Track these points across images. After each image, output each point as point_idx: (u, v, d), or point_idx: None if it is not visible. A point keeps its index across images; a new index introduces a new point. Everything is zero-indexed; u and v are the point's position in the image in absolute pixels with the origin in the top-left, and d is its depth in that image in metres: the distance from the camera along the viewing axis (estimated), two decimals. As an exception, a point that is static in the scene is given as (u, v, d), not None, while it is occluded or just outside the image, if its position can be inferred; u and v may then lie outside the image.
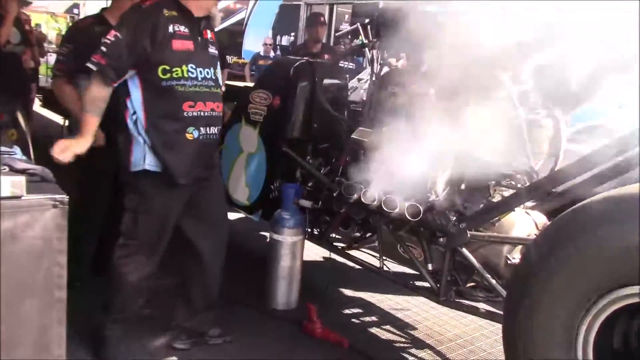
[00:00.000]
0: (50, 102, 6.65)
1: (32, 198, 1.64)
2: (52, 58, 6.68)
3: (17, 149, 2.00)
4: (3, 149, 1.94)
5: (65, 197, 1.68)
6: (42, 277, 1.70)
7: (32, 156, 2.83)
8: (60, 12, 18.33)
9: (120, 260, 2.48)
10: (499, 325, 2.25)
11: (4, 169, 1.70)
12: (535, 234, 2.48)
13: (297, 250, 3.18)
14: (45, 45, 7.68)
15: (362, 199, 2.56)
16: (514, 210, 2.53)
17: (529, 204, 2.63)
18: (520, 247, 2.49)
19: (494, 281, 2.47)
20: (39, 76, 7.03)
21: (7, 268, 1.63)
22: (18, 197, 1.62)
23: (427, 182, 2.53)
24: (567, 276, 1.82)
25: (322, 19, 5.69)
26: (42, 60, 7.57)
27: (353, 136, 2.81)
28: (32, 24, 6.94)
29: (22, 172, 1.71)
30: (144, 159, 2.39)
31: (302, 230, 3.17)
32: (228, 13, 11.94)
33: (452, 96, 2.68)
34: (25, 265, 1.67)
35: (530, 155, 2.55)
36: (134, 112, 2.38)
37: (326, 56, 5.02)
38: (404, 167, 2.57)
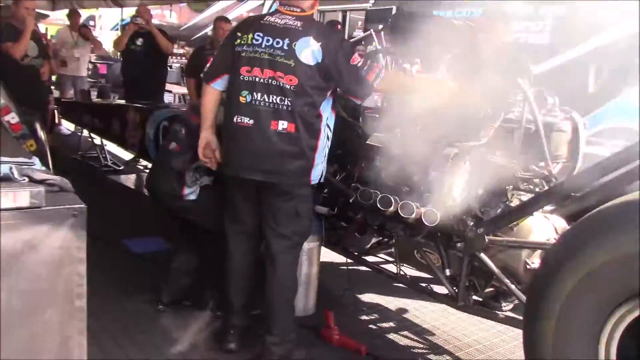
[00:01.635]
0: (68, 113, 6.77)
1: (51, 208, 1.65)
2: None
3: (36, 160, 2.02)
4: (22, 159, 1.96)
5: (84, 207, 1.69)
6: (62, 287, 1.71)
7: (50, 166, 2.87)
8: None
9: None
10: (519, 331, 2.23)
11: (24, 180, 1.71)
12: (555, 239, 2.45)
13: (313, 256, 3.17)
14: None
15: (378, 205, 2.54)
16: (533, 215, 2.50)
17: (548, 208, 2.60)
18: (539, 251, 2.46)
19: (513, 286, 2.45)
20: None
21: (27, 278, 1.64)
22: (37, 208, 1.63)
23: (444, 187, 2.51)
24: (588, 281, 1.80)
25: (338, 26, 5.72)
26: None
27: (368, 142, 2.81)
28: (48, 36, 7.05)
29: (41, 182, 1.72)
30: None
31: (319, 237, 3.16)
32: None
33: (469, 100, 2.67)
34: (46, 275, 1.67)
35: (549, 158, 2.52)
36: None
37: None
38: (420, 172, 2.56)
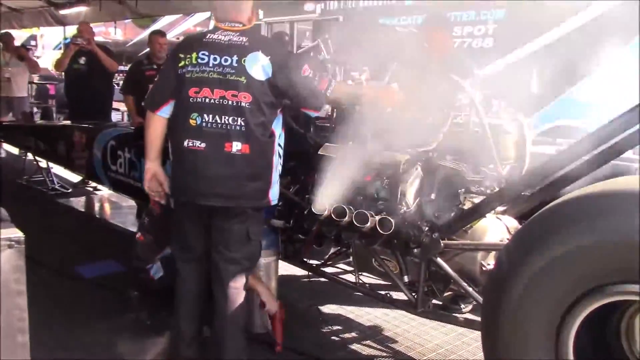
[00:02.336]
0: (10, 137, 6.52)
1: (-15, 239, 1.56)
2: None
3: (-30, 189, 1.92)
4: (-45, 189, 1.86)
5: (21, 237, 1.60)
6: (2, 321, 1.62)
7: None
8: (17, 44, 18.03)
9: None
10: (479, 332, 2.24)
11: (-45, 211, 1.61)
12: (508, 238, 2.49)
13: (271, 270, 3.13)
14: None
15: (332, 216, 2.53)
16: (485, 217, 2.53)
17: (500, 209, 2.64)
18: (494, 252, 2.49)
19: (470, 289, 2.47)
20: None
21: (-37, 315, 1.55)
22: (-30, 240, 1.54)
23: (397, 194, 2.52)
24: (542, 279, 1.82)
25: (286, 37, 5.70)
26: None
27: (320, 152, 2.79)
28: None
29: (-26, 212, 1.63)
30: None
31: (275, 251, 3.12)
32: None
33: (418, 106, 2.70)
34: (-17, 310, 1.58)
35: (497, 160, 2.56)
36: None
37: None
38: (373, 180, 2.56)
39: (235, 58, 2.39)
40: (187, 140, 2.42)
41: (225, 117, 2.38)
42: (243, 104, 2.37)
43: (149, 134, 2.59)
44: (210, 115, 2.38)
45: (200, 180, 2.44)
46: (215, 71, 2.39)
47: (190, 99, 2.41)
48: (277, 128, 2.52)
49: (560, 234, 1.79)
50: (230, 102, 2.38)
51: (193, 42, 2.52)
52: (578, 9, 5.38)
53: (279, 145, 2.55)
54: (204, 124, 2.39)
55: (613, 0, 4.88)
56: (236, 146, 2.38)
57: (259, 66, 2.38)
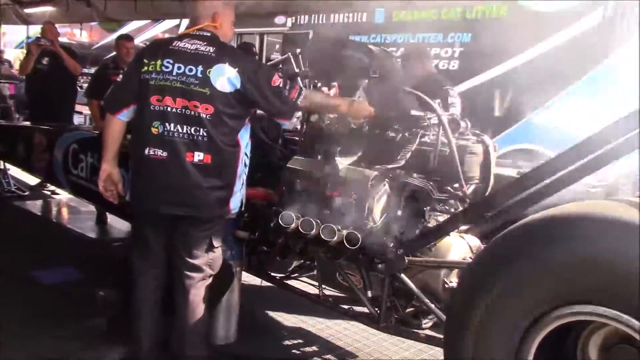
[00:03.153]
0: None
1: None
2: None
3: None
4: None
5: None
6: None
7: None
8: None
9: None
10: (439, 349, 2.27)
11: None
12: (471, 257, 2.54)
13: (234, 282, 3.10)
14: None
15: (300, 229, 2.53)
16: (449, 235, 2.58)
17: (463, 227, 2.69)
18: (456, 270, 2.53)
19: (432, 305, 2.50)
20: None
21: None
22: None
23: (364, 209, 2.54)
24: (503, 298, 1.86)
25: (254, 49, 5.70)
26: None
27: (289, 165, 2.80)
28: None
29: None
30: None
31: (240, 262, 3.10)
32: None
33: (385, 124, 2.74)
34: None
35: (463, 180, 2.62)
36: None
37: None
38: (340, 195, 2.58)
39: (200, 68, 2.37)
40: (148, 149, 2.40)
41: (187, 127, 2.37)
42: (203, 115, 2.37)
43: (107, 136, 2.57)
44: (172, 124, 2.37)
45: (162, 189, 2.42)
46: (179, 80, 2.37)
47: (152, 106, 2.39)
48: (244, 138, 2.53)
49: (522, 255, 1.84)
50: (192, 113, 2.37)
51: (159, 49, 2.49)
52: (544, 36, 5.56)
53: (245, 154, 2.56)
54: (165, 133, 2.38)
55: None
56: (198, 156, 2.38)
57: (224, 78, 2.38)
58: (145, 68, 2.42)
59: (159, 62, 2.40)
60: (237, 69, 2.39)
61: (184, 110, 2.37)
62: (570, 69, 4.99)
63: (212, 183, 2.42)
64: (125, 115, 2.51)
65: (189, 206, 2.43)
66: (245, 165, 2.57)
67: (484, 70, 6.38)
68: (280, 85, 2.49)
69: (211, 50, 2.41)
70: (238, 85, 2.39)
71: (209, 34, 2.48)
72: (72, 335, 3.00)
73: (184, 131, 2.37)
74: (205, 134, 2.37)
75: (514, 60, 6.20)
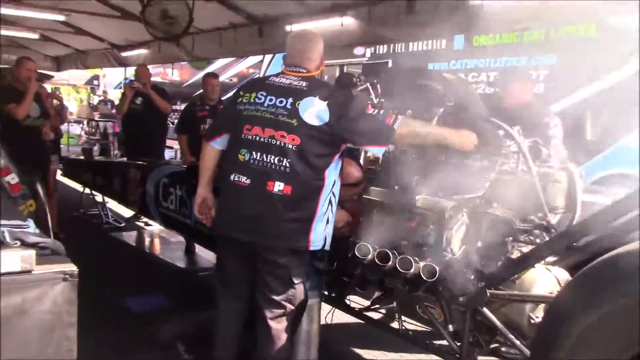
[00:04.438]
0: (71, 171, 6.82)
1: (41, 272, 1.64)
2: (72, 128, 6.86)
3: (30, 222, 2.02)
4: (16, 222, 1.96)
5: (75, 270, 1.68)
6: (51, 352, 1.68)
7: (50, 226, 2.86)
8: (81, 83, 19.07)
9: None
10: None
11: (15, 244, 1.70)
12: (558, 291, 2.40)
13: (313, 312, 3.09)
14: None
15: (376, 260, 2.51)
16: (534, 267, 2.46)
17: (550, 259, 2.56)
18: (542, 305, 2.40)
19: (517, 342, 2.38)
20: (60, 146, 7.19)
21: (17, 343, 1.61)
22: (28, 272, 1.61)
23: (442, 240, 2.49)
24: (593, 335, 1.75)
25: (354, 79, 5.63)
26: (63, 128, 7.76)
27: (365, 196, 2.80)
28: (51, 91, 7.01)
29: (32, 245, 1.72)
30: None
31: (318, 293, 3.10)
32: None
33: (465, 153, 2.68)
34: (35, 340, 1.65)
35: (547, 209, 2.50)
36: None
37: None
38: (418, 225, 2.54)
39: (290, 100, 2.44)
40: (233, 174, 2.49)
41: (271, 157, 2.42)
42: (289, 146, 2.41)
43: (202, 162, 2.72)
44: (258, 153, 2.44)
45: (240, 214, 2.48)
46: (269, 111, 2.45)
47: (243, 135, 2.49)
48: (330, 175, 2.50)
49: (615, 288, 1.73)
50: (278, 142, 2.42)
51: (256, 83, 2.68)
52: (633, 52, 5.28)
53: (333, 193, 2.53)
54: (251, 161, 2.45)
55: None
56: (278, 186, 2.41)
57: (313, 111, 2.41)
58: (241, 99, 2.55)
59: (253, 94, 2.52)
60: (326, 102, 2.42)
61: (270, 139, 2.43)
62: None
63: (290, 215, 2.44)
64: (218, 143, 2.65)
65: (263, 235, 2.45)
66: (330, 204, 2.54)
67: (572, 92, 6.13)
68: (375, 112, 2.50)
69: (304, 85, 2.49)
70: (326, 119, 2.41)
71: (304, 70, 2.57)
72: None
73: (268, 160, 2.42)
74: (288, 165, 2.41)
75: (605, 80, 5.91)
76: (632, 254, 1.76)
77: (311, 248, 2.52)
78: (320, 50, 2.63)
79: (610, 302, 1.72)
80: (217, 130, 2.67)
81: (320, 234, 2.52)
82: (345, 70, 8.89)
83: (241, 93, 2.58)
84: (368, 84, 3.52)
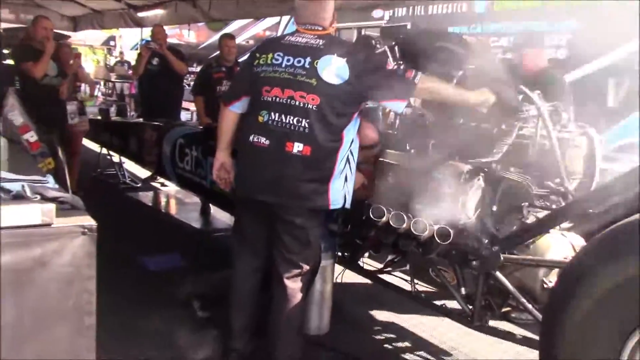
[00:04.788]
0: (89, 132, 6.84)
1: (61, 226, 1.66)
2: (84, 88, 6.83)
3: (50, 178, 2.05)
4: (36, 177, 1.99)
5: (94, 224, 1.70)
6: (71, 304, 1.72)
7: (68, 184, 2.90)
8: (97, 44, 19.04)
9: None
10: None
11: (35, 197, 1.73)
12: (572, 256, 2.40)
13: (327, 274, 3.14)
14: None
15: (391, 222, 2.52)
16: (549, 232, 2.45)
17: (565, 225, 2.55)
18: (556, 270, 2.41)
19: (530, 306, 2.40)
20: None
21: (37, 295, 1.65)
22: (48, 225, 1.64)
23: (457, 204, 2.48)
24: (607, 300, 1.75)
25: (373, 42, 5.51)
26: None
27: (381, 158, 2.79)
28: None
29: (52, 200, 1.74)
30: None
31: (332, 254, 3.14)
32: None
33: (482, 116, 2.65)
34: (55, 292, 1.68)
35: (565, 174, 2.48)
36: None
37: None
38: (433, 189, 2.53)
39: (308, 60, 2.41)
40: (252, 135, 2.48)
41: (290, 117, 2.41)
42: (309, 106, 2.39)
43: (221, 126, 2.71)
44: (277, 114, 2.43)
45: (259, 175, 2.49)
46: (287, 71, 2.43)
47: (262, 97, 2.48)
48: (349, 134, 2.49)
49: (629, 254, 1.72)
50: (297, 103, 2.40)
51: (271, 43, 2.62)
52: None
53: (351, 152, 2.52)
54: (270, 122, 2.44)
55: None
56: (297, 147, 2.40)
57: (332, 69, 2.39)
58: (257, 61, 2.52)
59: (270, 55, 2.48)
60: (345, 59, 2.39)
61: (289, 100, 2.42)
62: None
63: (308, 175, 2.43)
64: (237, 107, 2.63)
65: (282, 195, 2.46)
66: (348, 162, 2.53)
67: (594, 58, 5.98)
68: (394, 67, 2.50)
69: (320, 43, 2.45)
70: (346, 77, 2.39)
71: (319, 28, 2.52)
72: (172, 318, 3.17)
73: (287, 121, 2.41)
74: (307, 125, 2.40)
75: (626, 47, 5.75)
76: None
77: (331, 207, 2.52)
78: (332, 6, 2.59)
79: (621, 270, 1.72)
80: (236, 93, 2.65)
81: (339, 192, 2.51)
82: (363, 33, 8.76)
83: (257, 55, 2.54)
84: (386, 46, 3.47)
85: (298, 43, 2.48)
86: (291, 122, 2.41)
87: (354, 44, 2.99)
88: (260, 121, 2.47)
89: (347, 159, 2.53)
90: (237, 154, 2.66)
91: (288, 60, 2.44)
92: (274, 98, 2.44)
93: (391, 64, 2.49)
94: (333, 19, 2.60)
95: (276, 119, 2.43)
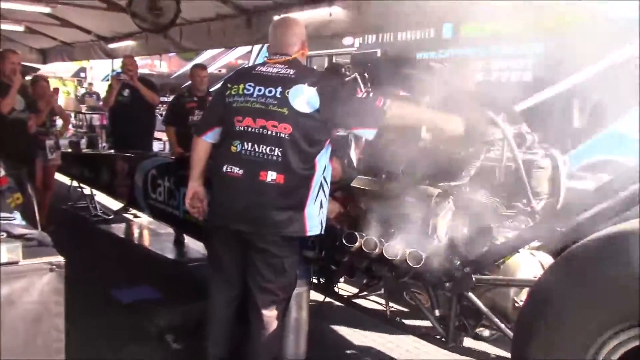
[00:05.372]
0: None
1: (28, 263, 1.64)
2: (60, 121, 6.74)
3: (16, 214, 2.02)
4: (3, 214, 1.96)
5: (62, 261, 1.68)
6: (40, 342, 1.69)
7: (37, 219, 2.87)
8: (68, 76, 18.91)
9: None
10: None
11: (2, 235, 1.71)
12: (540, 275, 2.44)
13: (302, 301, 3.11)
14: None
15: (363, 248, 2.54)
16: (519, 252, 2.50)
17: (534, 244, 2.60)
18: (527, 289, 2.44)
19: (502, 325, 2.42)
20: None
21: (4, 334, 1.62)
22: (14, 263, 1.62)
23: (428, 227, 2.52)
24: (569, 318, 1.79)
25: (342, 70, 5.54)
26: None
27: (353, 184, 2.82)
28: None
29: (19, 237, 1.72)
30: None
31: (307, 281, 3.13)
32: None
33: (450, 141, 2.71)
34: (23, 330, 1.66)
35: (531, 195, 2.54)
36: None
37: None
38: (404, 213, 2.57)
39: (279, 89, 2.44)
40: (226, 166, 2.50)
41: (263, 147, 2.43)
42: (282, 135, 2.42)
43: (193, 156, 2.72)
44: (250, 144, 2.45)
45: (234, 205, 2.49)
46: (259, 101, 2.46)
47: (234, 127, 2.50)
48: (321, 161, 2.52)
49: (595, 270, 1.76)
50: (269, 132, 2.43)
51: (242, 74, 2.65)
52: (622, 43, 5.32)
53: (324, 178, 2.55)
54: (243, 151, 2.46)
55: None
56: (271, 175, 2.42)
57: (303, 98, 2.42)
58: (229, 92, 2.55)
59: (241, 86, 2.52)
60: (315, 88, 2.43)
61: (262, 130, 2.44)
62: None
63: (283, 203, 2.45)
64: (209, 137, 2.64)
65: (257, 224, 2.47)
66: (322, 189, 2.55)
67: (560, 80, 6.16)
68: (364, 95, 2.55)
69: (291, 73, 2.49)
70: (317, 106, 2.42)
71: (290, 58, 2.56)
72: (146, 352, 3.13)
73: (260, 150, 2.44)
74: (280, 154, 2.42)
75: (592, 68, 5.94)
76: (608, 239, 1.79)
77: (308, 233, 2.54)
78: (301, 33, 2.63)
79: (588, 285, 1.76)
80: (208, 124, 2.67)
81: (315, 219, 2.53)
82: (334, 61, 8.88)
83: (229, 85, 2.57)
84: (356, 73, 3.53)
85: (269, 73, 2.51)
86: (264, 151, 2.43)
87: (324, 72, 3.03)
88: (233, 151, 2.48)
89: (321, 185, 2.55)
90: (212, 186, 2.66)
91: (259, 90, 2.47)
92: (246, 128, 2.46)
93: (361, 92, 2.52)
94: (303, 46, 2.63)
95: (249, 148, 2.45)
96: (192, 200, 2.75)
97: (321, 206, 2.56)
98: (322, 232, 2.60)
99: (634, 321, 1.67)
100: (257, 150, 2.44)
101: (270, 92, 2.45)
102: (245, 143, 2.46)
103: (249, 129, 2.46)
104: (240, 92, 2.50)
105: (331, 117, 2.46)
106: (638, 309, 1.63)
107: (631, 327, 1.68)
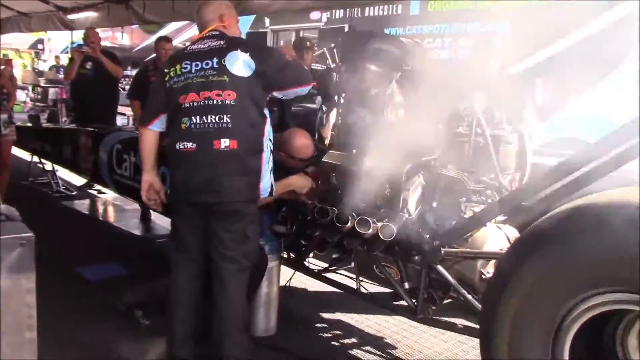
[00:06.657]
0: (18, 139, 6.57)
1: (-3, 238, 1.60)
2: (17, 94, 6.55)
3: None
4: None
5: (31, 235, 1.64)
6: (11, 319, 1.65)
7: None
8: (25, 47, 18.24)
9: None
10: (478, 340, 2.26)
11: (-32, 210, 1.66)
12: (507, 248, 2.52)
13: (273, 276, 3.15)
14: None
15: (336, 222, 2.56)
16: (486, 225, 2.56)
17: (500, 218, 2.67)
18: (493, 261, 2.52)
19: (470, 296, 2.50)
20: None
21: (-27, 311, 1.58)
22: (-18, 238, 1.58)
23: (399, 201, 2.55)
24: (535, 288, 1.85)
25: (308, 43, 5.39)
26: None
27: (324, 159, 2.83)
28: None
29: (-15, 212, 1.67)
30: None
31: (278, 256, 3.16)
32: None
33: (419, 117, 2.74)
34: (-7, 307, 1.62)
35: (499, 170, 2.60)
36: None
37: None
38: (375, 188, 2.60)
39: (215, 60, 2.48)
40: (178, 143, 2.51)
41: (211, 117, 2.46)
42: (227, 102, 2.46)
43: (142, 148, 2.70)
44: (198, 117, 2.47)
45: (192, 179, 2.50)
46: (198, 75, 2.49)
47: (181, 105, 2.51)
48: (267, 123, 2.59)
49: (559, 242, 1.82)
50: (215, 102, 2.46)
51: (175, 57, 2.67)
52: (586, 20, 5.42)
53: (269, 140, 2.60)
54: (192, 126, 2.48)
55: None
56: (224, 143, 2.45)
57: (240, 63, 2.47)
58: (167, 77, 2.56)
59: (178, 67, 2.54)
60: (248, 53, 2.49)
61: (207, 101, 2.46)
62: (615, 55, 4.84)
63: (240, 168, 2.49)
64: (156, 126, 2.65)
65: (218, 192, 2.48)
66: (270, 150, 2.61)
67: (524, 58, 6.26)
68: (292, 60, 2.69)
69: (222, 43, 2.54)
70: (254, 67, 2.48)
71: (217, 33, 2.61)
72: (113, 329, 3.12)
73: (209, 121, 2.46)
74: (229, 120, 2.45)
75: (556, 46, 6.05)
76: (571, 213, 1.86)
77: (261, 196, 2.58)
78: (216, 9, 2.67)
79: (552, 257, 1.82)
80: (152, 112, 2.66)
81: (267, 182, 2.59)
82: (301, 35, 8.80)
83: (165, 71, 2.59)
84: (325, 48, 3.52)
85: (201, 49, 2.55)
86: (213, 120, 2.46)
87: (251, 39, 3.12)
88: (183, 128, 2.50)
89: (269, 148, 2.61)
90: (169, 166, 2.65)
91: (197, 65, 2.51)
92: (191, 103, 2.49)
93: (290, 58, 2.63)
94: (222, 19, 2.66)
95: (198, 121, 2.47)
96: (149, 192, 2.75)
97: (270, 168, 2.61)
98: (273, 195, 2.66)
99: (595, 290, 1.74)
100: (205, 121, 2.46)
101: (207, 64, 2.49)
102: (193, 117, 2.47)
103: (195, 104, 2.48)
104: (179, 72, 2.53)
105: (269, 77, 2.52)
106: (599, 278, 1.71)
107: (593, 296, 1.75)
